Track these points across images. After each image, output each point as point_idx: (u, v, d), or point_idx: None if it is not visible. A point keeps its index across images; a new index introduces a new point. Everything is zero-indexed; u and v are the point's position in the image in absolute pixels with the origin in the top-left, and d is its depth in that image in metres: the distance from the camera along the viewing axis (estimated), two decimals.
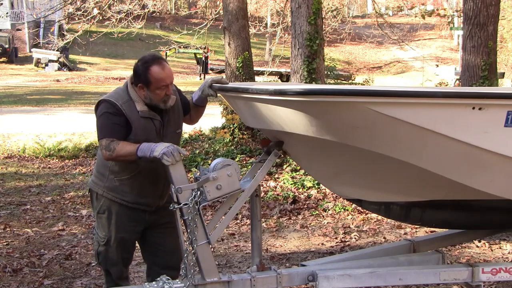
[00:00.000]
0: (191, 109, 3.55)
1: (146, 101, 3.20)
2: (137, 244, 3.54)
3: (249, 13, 14.14)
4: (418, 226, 5.63)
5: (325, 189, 6.98)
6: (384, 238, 5.71)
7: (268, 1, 27.46)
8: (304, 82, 7.47)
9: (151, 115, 3.21)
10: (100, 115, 3.18)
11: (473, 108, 2.80)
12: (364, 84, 22.09)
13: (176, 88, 3.42)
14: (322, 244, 5.58)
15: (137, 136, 3.14)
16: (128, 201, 3.28)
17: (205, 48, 28.48)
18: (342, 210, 6.56)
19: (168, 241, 3.42)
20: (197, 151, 9.08)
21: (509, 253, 5.20)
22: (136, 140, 3.12)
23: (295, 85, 5.18)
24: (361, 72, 33.78)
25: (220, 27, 12.62)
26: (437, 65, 31.09)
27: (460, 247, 5.29)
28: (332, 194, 6.84)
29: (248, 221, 6.07)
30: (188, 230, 3.00)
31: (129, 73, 3.56)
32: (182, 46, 26.72)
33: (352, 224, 6.15)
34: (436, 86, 16.94)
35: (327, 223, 6.23)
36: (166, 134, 3.28)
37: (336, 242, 5.60)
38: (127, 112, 3.14)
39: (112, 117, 3.14)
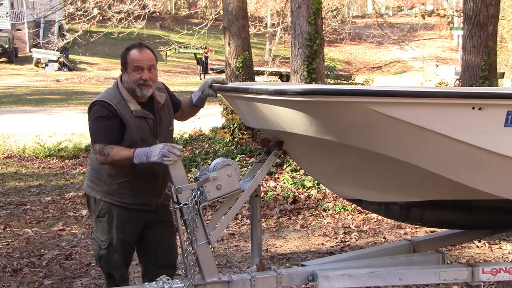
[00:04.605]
0: (188, 108, 3.56)
1: (126, 86, 3.18)
2: None
3: (249, 13, 14.16)
4: (418, 226, 5.62)
5: (325, 189, 6.97)
6: (384, 238, 5.71)
7: (268, 1, 27.49)
8: (304, 82, 7.46)
9: (145, 114, 3.20)
10: (93, 118, 3.14)
11: (473, 108, 2.80)
12: (364, 84, 22.10)
13: (164, 86, 3.41)
14: (322, 244, 5.58)
15: (132, 136, 3.12)
16: (128, 202, 3.26)
17: (205, 48, 28.52)
18: (342, 210, 6.56)
19: (166, 240, 3.43)
20: (197, 151, 9.08)
21: (509, 253, 5.20)
22: (132, 141, 3.11)
23: (295, 85, 5.18)
24: (361, 72, 33.79)
25: (220, 27, 12.63)
26: (437, 65, 31.08)
27: (460, 247, 5.29)
28: (332, 194, 6.84)
29: (248, 221, 6.07)
30: (188, 230, 3.00)
31: None
32: (182, 46, 26.74)
33: (352, 224, 6.15)
34: (436, 86, 16.95)
35: (327, 223, 6.23)
36: (159, 132, 3.27)
37: (336, 242, 5.60)
38: (122, 113, 3.11)
39: (105, 121, 3.10)
